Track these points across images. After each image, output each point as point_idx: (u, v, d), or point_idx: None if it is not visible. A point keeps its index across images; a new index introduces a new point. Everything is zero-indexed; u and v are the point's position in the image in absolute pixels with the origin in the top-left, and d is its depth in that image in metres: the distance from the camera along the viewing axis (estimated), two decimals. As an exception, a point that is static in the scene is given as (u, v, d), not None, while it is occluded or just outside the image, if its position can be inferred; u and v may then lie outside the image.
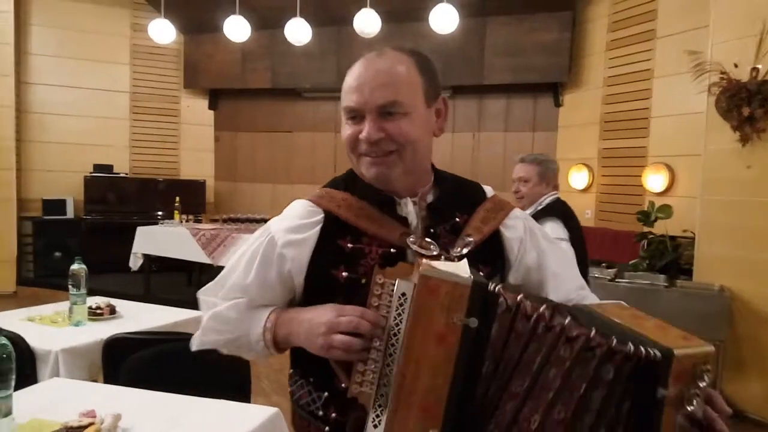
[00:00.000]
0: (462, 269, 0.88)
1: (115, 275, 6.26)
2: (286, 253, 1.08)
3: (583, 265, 2.64)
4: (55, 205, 7.09)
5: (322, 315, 0.97)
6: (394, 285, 0.91)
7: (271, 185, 7.96)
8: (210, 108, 8.07)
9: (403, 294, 0.89)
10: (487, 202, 1.15)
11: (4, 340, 1.42)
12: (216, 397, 1.82)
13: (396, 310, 0.90)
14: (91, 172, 7.18)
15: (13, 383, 1.44)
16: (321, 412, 1.08)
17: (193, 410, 1.76)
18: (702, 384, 0.73)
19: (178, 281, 6.75)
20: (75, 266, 2.65)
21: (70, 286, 2.65)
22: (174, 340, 2.44)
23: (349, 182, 1.14)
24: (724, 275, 3.81)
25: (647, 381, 0.72)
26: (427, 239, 1.02)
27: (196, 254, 5.84)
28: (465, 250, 1.03)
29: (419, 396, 0.85)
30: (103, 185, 7.24)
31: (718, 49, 3.85)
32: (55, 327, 2.65)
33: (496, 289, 0.85)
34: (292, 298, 1.13)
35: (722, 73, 3.72)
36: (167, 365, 2.13)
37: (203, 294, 1.22)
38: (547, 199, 2.78)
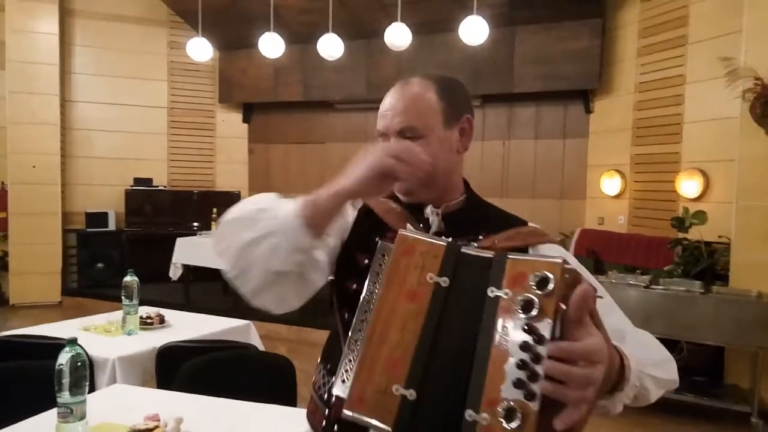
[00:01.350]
0: None
1: (155, 285, 6.47)
2: (348, 209, 1.18)
3: None
4: (98, 218, 7.36)
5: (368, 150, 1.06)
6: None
7: (303, 195, 8.11)
8: (244, 121, 8.28)
9: (383, 254, 0.94)
10: (525, 227, 1.17)
11: (80, 350, 1.55)
12: (265, 402, 1.92)
13: (375, 269, 0.94)
14: (131, 186, 7.45)
15: (87, 389, 1.57)
16: (326, 396, 1.13)
17: (248, 415, 1.86)
18: (540, 290, 0.77)
19: (216, 290, 6.93)
20: (128, 278, 2.81)
21: (123, 297, 2.80)
22: (223, 348, 2.57)
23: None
24: (761, 281, 3.79)
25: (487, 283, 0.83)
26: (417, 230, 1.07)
27: (233, 264, 5.99)
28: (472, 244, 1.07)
29: (387, 351, 0.86)
30: (142, 198, 7.50)
31: (752, 55, 3.84)
32: (108, 336, 2.80)
33: (470, 250, 0.89)
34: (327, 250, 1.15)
35: (756, 79, 3.71)
36: (218, 372, 2.25)
37: None
38: None
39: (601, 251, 5.41)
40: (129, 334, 2.80)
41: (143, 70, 7.70)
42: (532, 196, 6.71)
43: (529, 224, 1.19)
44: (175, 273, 6.37)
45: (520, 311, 0.78)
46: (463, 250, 0.90)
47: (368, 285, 0.94)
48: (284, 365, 2.34)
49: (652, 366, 0.98)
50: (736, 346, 3.79)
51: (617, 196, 5.91)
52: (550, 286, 0.76)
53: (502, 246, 1.06)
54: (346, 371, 0.90)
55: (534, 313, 0.77)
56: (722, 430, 3.63)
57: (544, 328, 0.76)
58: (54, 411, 1.53)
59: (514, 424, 0.74)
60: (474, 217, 1.18)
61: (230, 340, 2.82)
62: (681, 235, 4.48)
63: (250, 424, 1.81)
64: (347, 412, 0.86)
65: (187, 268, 6.41)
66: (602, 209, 6.16)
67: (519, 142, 6.90)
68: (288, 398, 2.18)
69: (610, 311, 1.03)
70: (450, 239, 0.92)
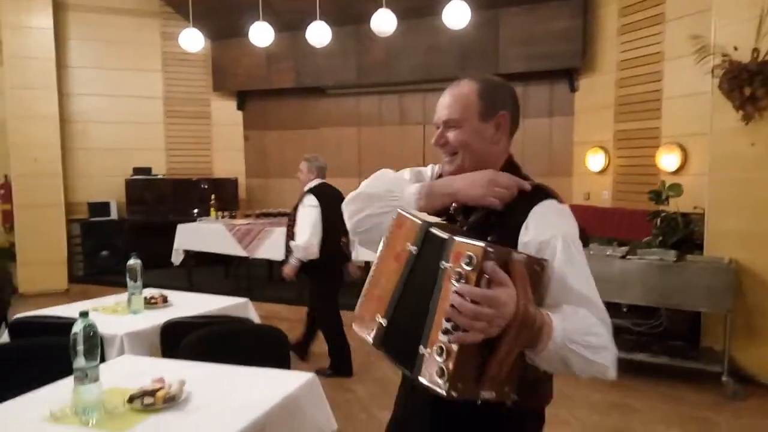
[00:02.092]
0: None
1: (159, 271, 6.68)
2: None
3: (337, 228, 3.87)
4: (100, 208, 7.56)
5: (484, 175, 1.34)
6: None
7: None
8: (239, 109, 8.44)
9: (390, 226, 1.30)
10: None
11: (91, 321, 1.75)
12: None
13: (385, 235, 1.30)
14: (131, 175, 7.63)
15: (99, 356, 1.77)
16: None
17: (244, 377, 2.08)
18: (468, 268, 1.05)
19: (217, 274, 7.17)
20: (131, 261, 3.01)
21: (128, 279, 3.01)
22: (223, 322, 2.77)
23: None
24: (733, 249, 3.98)
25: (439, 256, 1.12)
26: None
27: (232, 248, 6.22)
28: (464, 226, 1.33)
29: (377, 292, 1.25)
30: (142, 187, 7.69)
31: (721, 33, 3.99)
32: (116, 315, 3.02)
33: (433, 229, 1.18)
34: None
35: (724, 55, 3.87)
36: (218, 342, 2.45)
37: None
38: (311, 184, 4.25)
39: (586, 226, 5.60)
40: (135, 313, 3.01)
41: (137, 62, 7.84)
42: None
43: (548, 194, 1.33)
44: (177, 258, 6.59)
45: (455, 280, 1.07)
46: (431, 229, 1.19)
47: (381, 246, 1.30)
48: (278, 335, 2.55)
49: (582, 346, 1.13)
50: (709, 310, 4.00)
51: (601, 172, 6.09)
52: (474, 263, 1.05)
53: (488, 211, 1.31)
54: (362, 299, 1.30)
55: (462, 281, 1.05)
56: (696, 388, 3.85)
57: (467, 290, 1.05)
58: (70, 378, 1.74)
59: (441, 359, 1.06)
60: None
61: (230, 315, 3.03)
62: (660, 208, 4.67)
63: (247, 384, 2.02)
64: (354, 327, 1.29)
65: (190, 254, 6.63)
66: (588, 185, 6.35)
67: (507, 121, 7.06)
68: (281, 363, 2.38)
69: (578, 308, 1.19)
70: (429, 219, 1.22)
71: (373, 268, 1.29)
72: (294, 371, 2.19)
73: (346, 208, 1.53)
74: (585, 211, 5.83)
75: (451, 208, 1.38)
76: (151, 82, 7.94)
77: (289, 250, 4.21)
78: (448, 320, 1.05)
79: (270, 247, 5.96)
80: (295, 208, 4.25)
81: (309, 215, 4.07)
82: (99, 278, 7.23)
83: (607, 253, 4.16)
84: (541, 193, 1.32)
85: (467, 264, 1.05)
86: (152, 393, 1.81)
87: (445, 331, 1.05)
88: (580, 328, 1.14)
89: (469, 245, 1.06)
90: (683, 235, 4.43)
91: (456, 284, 1.05)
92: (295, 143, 8.27)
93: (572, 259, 1.22)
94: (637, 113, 5.63)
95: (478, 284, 1.03)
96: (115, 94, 7.74)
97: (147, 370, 2.08)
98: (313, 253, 4.03)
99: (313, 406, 2.07)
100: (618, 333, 4.21)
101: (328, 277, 4.22)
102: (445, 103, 1.40)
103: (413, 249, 1.20)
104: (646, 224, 4.87)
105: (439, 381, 1.05)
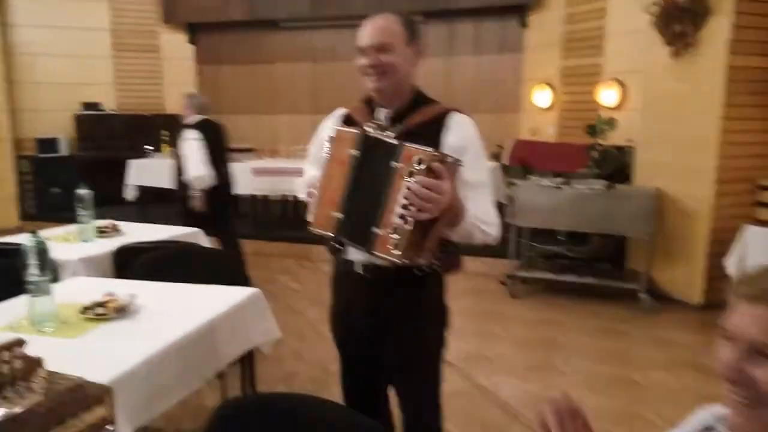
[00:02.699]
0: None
1: (111, 208, 6.66)
2: (321, 134, 1.81)
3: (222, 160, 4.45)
4: (49, 144, 7.41)
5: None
6: None
7: (253, 116, 8.27)
8: (190, 42, 8.24)
9: (331, 138, 1.61)
10: (435, 107, 1.70)
11: (41, 237, 1.87)
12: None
13: (328, 152, 1.61)
14: (80, 111, 7.46)
15: (50, 270, 1.90)
16: None
17: (192, 293, 2.24)
18: (419, 167, 1.39)
19: (172, 210, 7.20)
20: (81, 190, 3.09)
21: (78, 208, 3.09)
22: (175, 247, 2.91)
23: (365, 99, 1.78)
24: (658, 179, 4.29)
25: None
26: (372, 125, 1.64)
27: (187, 184, 6.24)
28: (392, 133, 1.59)
29: (329, 194, 1.57)
30: (92, 123, 7.54)
31: (657, -30, 4.13)
32: (68, 243, 3.10)
33: (369, 134, 1.53)
34: None
35: (659, -8, 4.03)
36: (171, 264, 2.58)
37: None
38: (191, 119, 4.43)
39: (531, 160, 5.84)
40: (86, 241, 3.11)
41: (81, -9, 7.52)
42: (472, 111, 7.01)
43: (451, 110, 1.68)
44: (129, 193, 6.60)
45: (407, 176, 1.41)
46: (369, 134, 1.54)
47: (323, 162, 1.61)
48: (229, 257, 2.71)
49: (481, 222, 1.62)
50: (633, 235, 4.34)
51: (548, 108, 6.30)
52: (423, 164, 1.40)
53: (415, 122, 1.65)
54: (313, 208, 1.62)
55: (414, 177, 1.40)
56: (617, 305, 4.23)
57: (415, 185, 1.39)
58: (23, 297, 1.86)
59: (396, 236, 1.43)
60: (411, 112, 1.68)
61: (182, 241, 3.16)
62: (597, 141, 4.92)
63: (195, 297, 2.19)
64: (312, 229, 1.61)
65: (145, 191, 6.64)
66: (535, 121, 6.56)
67: (460, 58, 7.14)
68: (230, 281, 2.53)
69: (478, 194, 1.62)
70: (362, 129, 1.57)
71: (320, 179, 1.60)
72: (240, 287, 2.36)
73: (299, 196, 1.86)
74: (531, 146, 6.07)
75: (376, 120, 1.68)
76: (97, 13, 7.65)
77: (184, 187, 4.36)
78: (403, 207, 1.41)
79: (225, 182, 6.03)
80: (177, 146, 4.43)
81: (192, 147, 4.26)
82: (52, 215, 7.16)
83: (544, 183, 4.41)
84: (453, 110, 1.68)
85: (418, 164, 1.40)
86: (103, 304, 1.97)
87: (400, 216, 1.42)
88: (482, 211, 1.60)
89: (418, 150, 1.42)
90: (617, 166, 4.71)
91: (409, 179, 1.40)
92: (249, 78, 8.18)
93: (479, 160, 1.68)
94: (582, 50, 5.79)
95: (427, 176, 1.39)
96: (59, 25, 7.44)
97: (99, 288, 2.21)
98: (206, 181, 4.25)
99: (257, 316, 2.25)
100: (552, 258, 4.60)
101: (216, 208, 4.40)
102: (375, 31, 1.64)
103: (356, 153, 1.54)
104: (586, 157, 5.14)
105: (394, 252, 1.43)
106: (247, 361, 2.32)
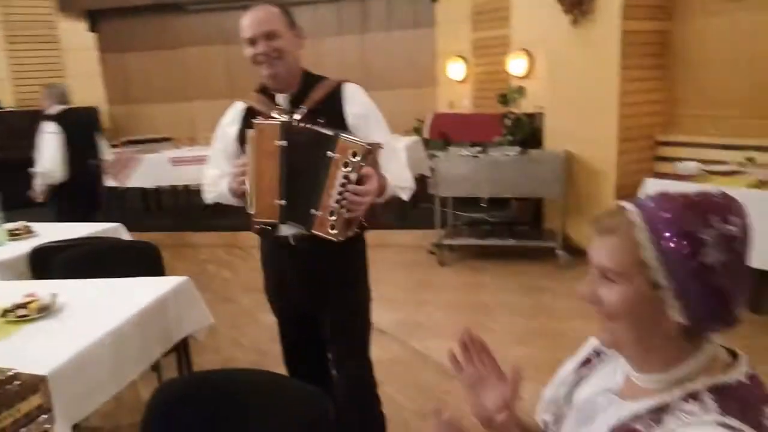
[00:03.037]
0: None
1: (24, 211, 6.30)
2: (227, 132, 1.92)
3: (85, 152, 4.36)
4: (-58, 148, 6.88)
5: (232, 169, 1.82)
6: None
7: (168, 104, 8.00)
8: (91, 30, 7.81)
9: (252, 137, 1.70)
10: (327, 82, 1.84)
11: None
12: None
13: (248, 146, 1.71)
14: (-26, 110, 6.96)
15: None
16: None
17: (117, 287, 2.20)
18: (355, 159, 1.59)
19: (87, 209, 6.88)
20: (-13, 193, 2.92)
21: (-16, 212, 2.93)
22: (95, 243, 2.82)
23: (259, 88, 1.89)
24: (566, 142, 4.54)
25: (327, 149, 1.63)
26: (277, 111, 1.78)
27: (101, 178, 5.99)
28: (298, 116, 1.75)
29: (266, 185, 1.69)
30: (-10, 122, 7.05)
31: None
32: (-23, 249, 2.94)
33: (293, 123, 1.67)
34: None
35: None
36: (92, 261, 2.51)
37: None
38: (50, 110, 4.31)
39: (450, 132, 6.02)
40: (-2, 245, 2.96)
41: (-38, -21, 6.95)
42: (390, 87, 7.12)
43: (341, 81, 1.86)
44: (39, 194, 6.25)
45: (343, 166, 1.61)
46: (291, 123, 1.69)
47: (247, 155, 1.71)
48: (151, 249, 2.67)
49: (399, 188, 1.87)
50: (547, 196, 4.61)
51: (462, 81, 6.48)
52: (358, 157, 1.60)
53: (315, 101, 1.78)
54: (250, 201, 1.72)
55: (350, 168, 1.61)
56: (537, 263, 4.49)
57: (352, 176, 1.62)
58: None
59: (333, 218, 1.64)
60: (308, 92, 1.81)
61: (100, 237, 3.07)
62: (509, 110, 5.13)
63: (120, 292, 2.15)
64: (256, 220, 1.74)
65: (53, 189, 6.29)
66: (451, 94, 6.74)
67: (373, 35, 7.19)
68: (155, 273, 2.51)
69: (390, 157, 1.83)
70: (284, 119, 1.71)
71: (250, 174, 1.70)
72: (168, 277, 2.35)
73: (209, 202, 2.02)
74: (449, 118, 6.25)
75: (278, 106, 1.80)
76: (-18, 3, 7.11)
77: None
78: (339, 194, 1.62)
79: (143, 174, 5.86)
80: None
81: (46, 141, 4.20)
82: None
83: (462, 153, 4.57)
84: (343, 81, 1.85)
85: (353, 156, 1.60)
86: (25, 305, 1.91)
87: (336, 201, 1.63)
88: (397, 176, 1.84)
89: (353, 142, 1.61)
90: (528, 132, 4.95)
91: (344, 169, 1.60)
92: (159, 65, 7.88)
93: (380, 123, 1.87)
94: (490, 22, 5.98)
95: (361, 169, 1.62)
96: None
97: (18, 290, 2.13)
98: (55, 177, 4.22)
99: (187, 305, 2.24)
100: (476, 224, 4.80)
101: (78, 202, 4.35)
102: (260, 20, 1.74)
103: (283, 143, 1.67)
104: (501, 126, 5.35)
105: (332, 231, 1.65)
106: (183, 350, 2.32)
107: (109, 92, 8.03)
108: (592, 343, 1.03)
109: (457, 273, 4.48)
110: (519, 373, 0.96)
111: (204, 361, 3.00)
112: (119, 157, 5.96)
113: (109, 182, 6.00)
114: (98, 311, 1.95)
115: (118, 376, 1.81)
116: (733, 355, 0.82)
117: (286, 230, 1.81)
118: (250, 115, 1.82)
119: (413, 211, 5.37)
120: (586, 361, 1.02)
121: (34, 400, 0.97)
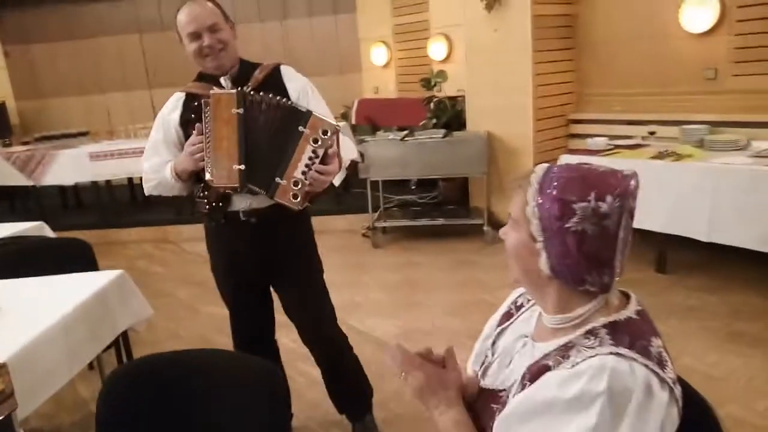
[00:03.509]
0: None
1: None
2: (169, 119, 1.96)
3: None
4: None
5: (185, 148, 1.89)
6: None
7: (83, 97, 7.64)
8: (-10, 20, 7.32)
9: (207, 107, 1.78)
10: (267, 65, 1.97)
11: None
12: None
13: (204, 116, 1.79)
14: None
15: None
16: (201, 189, 1.93)
17: (51, 284, 2.17)
18: (325, 137, 1.75)
19: (1, 210, 6.52)
20: None
21: None
22: (20, 243, 2.73)
23: (198, 77, 1.97)
24: (487, 123, 4.76)
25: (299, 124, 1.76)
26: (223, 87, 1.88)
27: (14, 178, 5.70)
28: (250, 89, 1.85)
29: (224, 150, 1.77)
30: None
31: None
32: None
33: (248, 92, 1.78)
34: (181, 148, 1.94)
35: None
36: (19, 261, 2.44)
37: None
38: None
39: (376, 117, 6.12)
40: None
41: None
42: (315, 74, 7.10)
43: (266, 63, 1.98)
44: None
45: (312, 142, 1.75)
46: (247, 93, 1.79)
47: (204, 125, 1.79)
48: (80, 244, 2.62)
49: (351, 159, 2.09)
50: (471, 175, 4.83)
51: (385, 66, 6.59)
52: (328, 134, 1.76)
53: (259, 79, 1.90)
54: (208, 169, 1.79)
55: (319, 143, 1.75)
56: (466, 240, 4.71)
57: (320, 151, 1.77)
58: None
59: (297, 187, 1.76)
60: (247, 74, 1.92)
61: (23, 236, 2.97)
62: (432, 93, 5.30)
63: (55, 289, 2.12)
64: (216, 185, 1.80)
65: (-39, 191, 5.92)
66: (375, 79, 6.84)
67: (295, 21, 7.16)
68: (88, 270, 2.47)
69: (343, 138, 1.97)
70: (238, 89, 1.80)
71: (207, 141, 1.78)
72: (102, 271, 2.33)
73: (149, 192, 2.05)
74: (375, 104, 6.34)
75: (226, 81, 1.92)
76: None
77: None
78: (306, 166, 1.74)
79: (59, 171, 5.60)
80: None
81: None
82: None
83: (391, 138, 4.70)
84: (279, 64, 1.99)
85: (324, 134, 1.74)
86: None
87: (302, 173, 1.75)
88: (347, 148, 2.03)
89: (325, 121, 1.76)
90: (452, 115, 5.14)
91: (313, 144, 1.74)
92: (71, 56, 7.50)
93: (319, 97, 2.00)
94: (410, 7, 6.11)
95: (329, 147, 1.78)
96: None
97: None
98: None
99: (125, 298, 2.24)
100: (406, 206, 5.00)
101: None
102: (202, 15, 1.83)
103: (240, 111, 1.76)
104: (425, 109, 5.52)
105: (294, 200, 1.77)
106: (123, 344, 2.32)
107: (16, 86, 7.57)
108: (511, 297, 1.17)
109: (391, 254, 4.63)
110: (452, 353, 1.10)
111: (144, 354, 2.98)
112: (32, 154, 5.69)
113: (22, 181, 5.73)
114: (34, 311, 1.92)
115: (59, 375, 1.80)
116: (627, 297, 0.98)
117: (238, 204, 1.89)
118: (190, 100, 1.90)
119: (346, 196, 5.47)
120: (507, 314, 1.16)
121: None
